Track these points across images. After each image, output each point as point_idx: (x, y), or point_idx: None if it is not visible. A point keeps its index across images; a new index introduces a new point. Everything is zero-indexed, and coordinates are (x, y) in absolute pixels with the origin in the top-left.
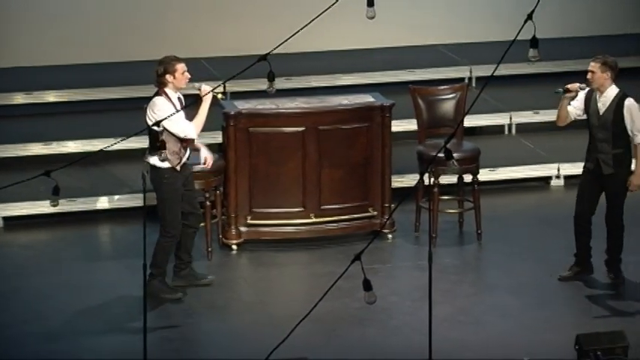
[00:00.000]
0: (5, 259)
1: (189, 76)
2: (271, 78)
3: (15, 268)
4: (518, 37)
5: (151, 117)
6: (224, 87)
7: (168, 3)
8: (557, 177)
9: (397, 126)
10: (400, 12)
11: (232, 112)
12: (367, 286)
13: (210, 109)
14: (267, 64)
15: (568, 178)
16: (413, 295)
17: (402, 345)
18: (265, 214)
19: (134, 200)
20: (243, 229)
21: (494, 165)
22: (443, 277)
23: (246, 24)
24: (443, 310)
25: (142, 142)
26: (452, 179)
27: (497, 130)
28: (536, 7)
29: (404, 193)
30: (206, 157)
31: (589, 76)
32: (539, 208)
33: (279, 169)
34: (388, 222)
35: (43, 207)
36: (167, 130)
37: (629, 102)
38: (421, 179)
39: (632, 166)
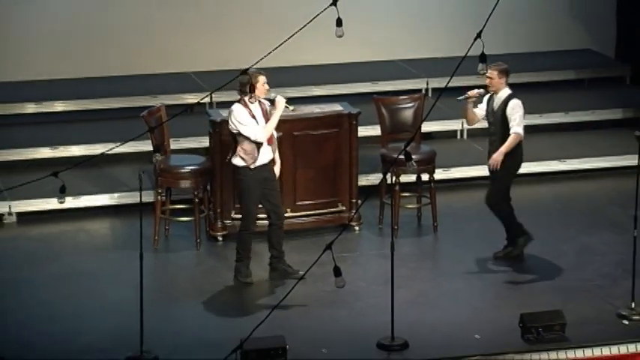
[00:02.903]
0: (17, 250)
1: (268, 88)
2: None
3: (26, 257)
4: (469, 53)
5: (231, 122)
6: (210, 97)
7: (161, 21)
8: None
9: (363, 131)
10: (365, 31)
11: (218, 120)
12: (337, 272)
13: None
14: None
15: (520, 176)
16: (377, 281)
17: (368, 324)
18: None
19: (132, 197)
20: (227, 222)
21: (448, 165)
22: (403, 264)
23: (231, 41)
24: (403, 294)
25: (138, 147)
26: (411, 178)
27: (451, 134)
28: (484, 26)
29: (369, 191)
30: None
31: (488, 81)
32: None
33: None
34: (355, 216)
35: (52, 204)
36: (241, 133)
37: (513, 102)
38: (384, 178)
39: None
